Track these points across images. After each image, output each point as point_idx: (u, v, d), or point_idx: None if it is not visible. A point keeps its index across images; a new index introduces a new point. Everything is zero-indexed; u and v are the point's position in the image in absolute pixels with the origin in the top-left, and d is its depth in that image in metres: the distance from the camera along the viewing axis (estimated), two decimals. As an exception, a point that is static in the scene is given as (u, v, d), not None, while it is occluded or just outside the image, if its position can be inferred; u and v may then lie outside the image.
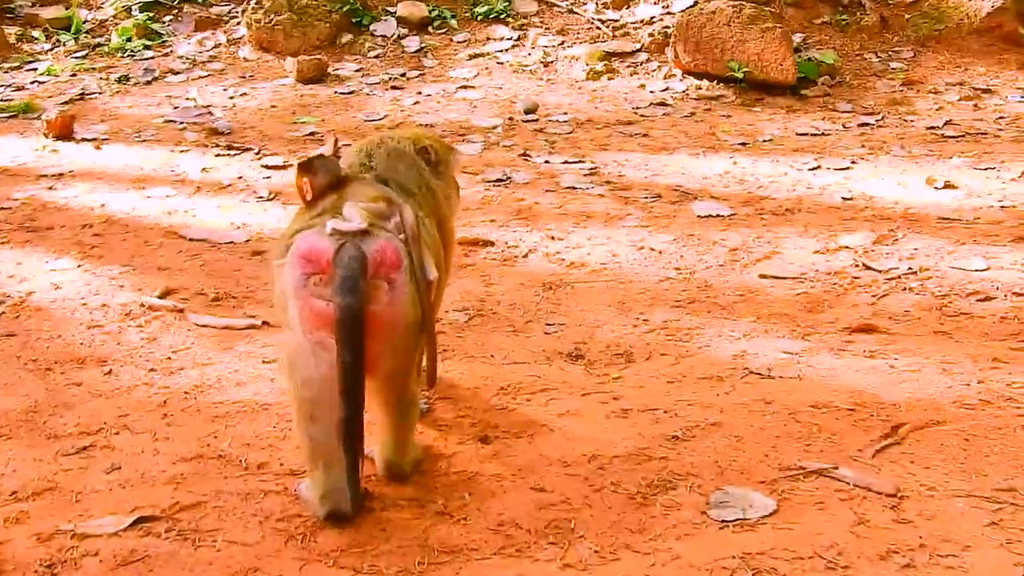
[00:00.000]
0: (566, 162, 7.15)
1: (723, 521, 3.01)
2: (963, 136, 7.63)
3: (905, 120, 8.15)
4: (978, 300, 4.64)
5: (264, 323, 4.56)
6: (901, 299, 4.69)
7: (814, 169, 6.88)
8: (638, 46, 9.89)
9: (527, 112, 8.55)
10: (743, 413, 3.65)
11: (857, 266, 5.10)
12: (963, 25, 9.54)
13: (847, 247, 5.36)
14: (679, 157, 7.26)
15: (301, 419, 3.05)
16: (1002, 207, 5.97)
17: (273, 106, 8.79)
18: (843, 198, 6.23)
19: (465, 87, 9.37)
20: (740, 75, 8.79)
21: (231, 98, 9.06)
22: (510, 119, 8.37)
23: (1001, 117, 8.06)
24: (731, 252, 5.35)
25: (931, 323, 4.42)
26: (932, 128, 7.85)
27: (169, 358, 4.25)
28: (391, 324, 3.00)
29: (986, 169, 6.72)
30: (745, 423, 3.58)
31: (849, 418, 3.59)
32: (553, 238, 5.64)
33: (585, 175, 6.84)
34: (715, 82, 9.04)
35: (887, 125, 8.06)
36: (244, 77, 9.72)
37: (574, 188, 6.53)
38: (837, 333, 4.35)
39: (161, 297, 4.86)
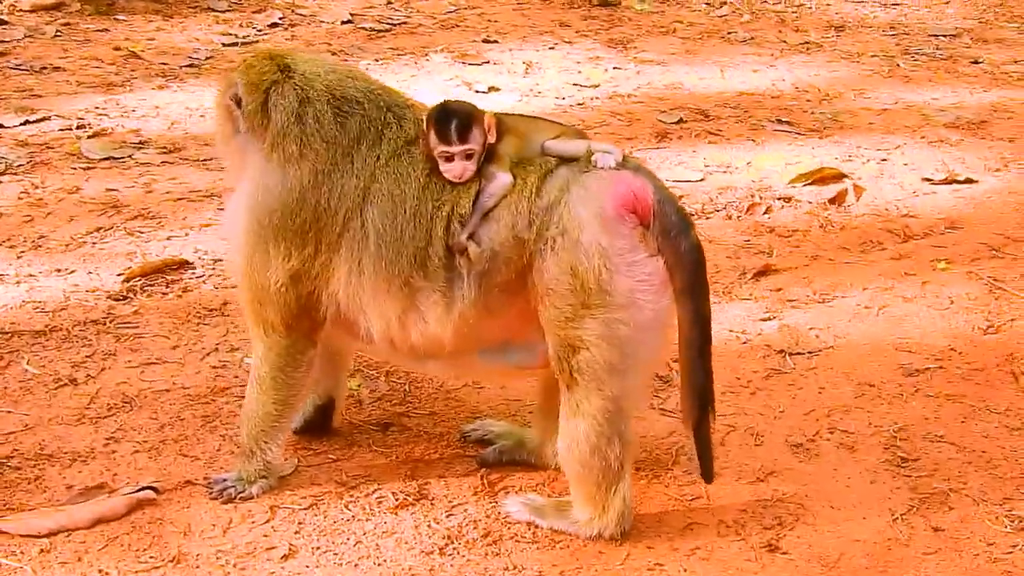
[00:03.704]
0: (27, 122, 5.28)
1: None
2: (389, 30, 7.19)
3: (302, 16, 7.39)
4: (775, 212, 4.59)
5: (151, 489, 2.79)
6: (705, 227, 4.40)
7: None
8: None
9: None
10: (885, 407, 3.27)
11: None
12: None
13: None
14: (163, 95, 5.79)
15: (615, 423, 2.56)
16: (578, 105, 5.85)
17: None
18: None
19: None
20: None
21: None
22: None
23: (385, 10, 7.72)
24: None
25: (796, 251, 4.28)
26: (347, 23, 7.25)
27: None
28: None
29: (494, 64, 6.50)
30: (920, 417, 3.21)
31: (962, 377, 3.42)
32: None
33: (62, 132, 5.16)
34: (31, -14, 7.21)
35: (299, 23, 7.24)
36: None
37: (111, 158, 4.92)
38: (749, 283, 4.00)
39: None
